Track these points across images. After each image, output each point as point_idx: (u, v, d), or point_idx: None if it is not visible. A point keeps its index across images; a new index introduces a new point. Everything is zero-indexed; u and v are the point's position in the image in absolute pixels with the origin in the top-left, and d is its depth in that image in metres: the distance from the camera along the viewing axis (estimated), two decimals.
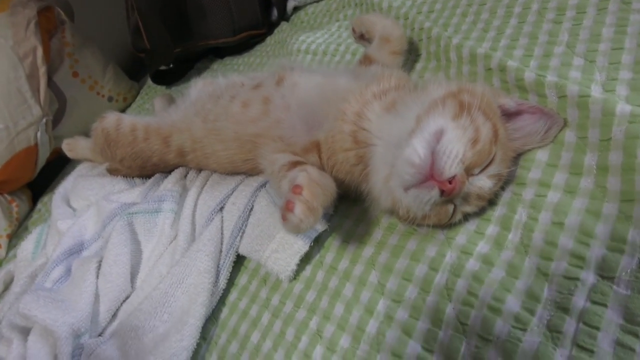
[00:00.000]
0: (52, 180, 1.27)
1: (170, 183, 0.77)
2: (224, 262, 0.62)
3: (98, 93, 1.26)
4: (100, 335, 0.65)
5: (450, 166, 0.42)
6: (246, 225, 0.64)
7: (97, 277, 0.67)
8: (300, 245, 0.55)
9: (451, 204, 0.45)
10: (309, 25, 1.07)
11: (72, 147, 1.03)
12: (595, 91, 0.47)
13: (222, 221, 0.66)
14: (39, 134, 1.12)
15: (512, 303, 0.40)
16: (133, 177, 0.88)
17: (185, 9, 1.12)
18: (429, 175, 0.42)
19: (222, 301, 0.61)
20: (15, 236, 1.13)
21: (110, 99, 1.29)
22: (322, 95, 0.60)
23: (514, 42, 0.62)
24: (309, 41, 0.95)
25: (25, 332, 0.67)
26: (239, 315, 0.58)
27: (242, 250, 0.62)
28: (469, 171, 0.44)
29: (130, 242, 0.68)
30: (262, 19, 1.14)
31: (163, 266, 0.66)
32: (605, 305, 0.36)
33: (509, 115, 0.50)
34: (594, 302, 0.37)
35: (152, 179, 0.83)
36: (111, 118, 0.84)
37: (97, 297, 0.66)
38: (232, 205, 0.67)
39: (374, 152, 0.52)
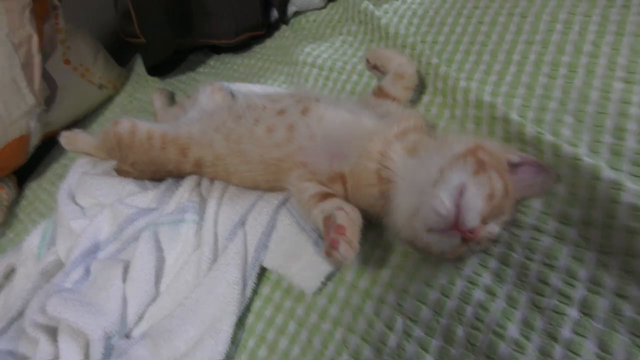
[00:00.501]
0: (35, 164, 1.27)
1: (186, 192, 0.82)
2: (250, 274, 0.69)
3: (89, 80, 1.25)
4: (126, 336, 0.71)
5: (473, 219, 0.51)
6: (269, 241, 0.71)
7: (124, 281, 0.73)
8: (327, 266, 0.64)
9: (466, 245, 0.54)
10: (310, 34, 1.11)
11: (70, 140, 1.04)
12: (584, 154, 0.57)
13: (245, 235, 0.72)
14: (32, 123, 1.11)
15: (513, 330, 0.50)
16: (143, 180, 0.91)
17: (188, 6, 1.13)
18: (454, 225, 0.51)
19: (247, 309, 0.68)
20: (5, 224, 1.14)
21: (100, 87, 1.29)
22: (347, 132, 0.67)
23: (513, 91, 0.71)
24: (314, 54, 1.00)
25: (50, 331, 0.72)
26: (265, 323, 0.66)
27: (267, 264, 0.69)
28: (484, 221, 0.53)
29: (155, 250, 0.74)
30: (262, 20, 1.17)
31: (188, 274, 0.72)
32: (585, 337, 0.47)
33: (512, 166, 0.59)
34: (577, 334, 0.48)
35: (165, 183, 0.87)
36: (125, 124, 0.87)
37: (124, 300, 0.72)
38: (254, 221, 0.73)
39: (396, 190, 0.60)
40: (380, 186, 0.62)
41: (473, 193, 0.52)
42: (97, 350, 0.66)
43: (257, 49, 1.18)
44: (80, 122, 1.31)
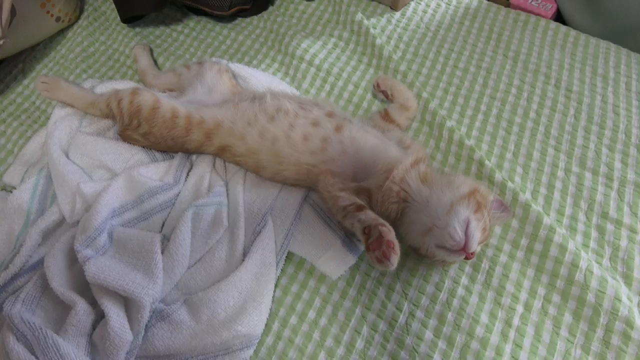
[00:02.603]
0: None
1: (207, 172, 0.91)
2: (280, 257, 0.84)
3: (48, 12, 1.14)
4: (162, 301, 0.81)
5: (474, 245, 0.75)
6: (296, 230, 0.86)
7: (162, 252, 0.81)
8: (351, 258, 0.83)
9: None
10: (300, 26, 1.20)
11: (51, 87, 0.99)
12: (528, 199, 0.85)
13: (273, 223, 0.86)
14: None
15: (484, 318, 0.78)
16: (152, 150, 0.95)
17: None
18: (462, 248, 0.75)
19: (275, 284, 0.84)
20: None
21: (57, 19, 1.18)
22: (375, 155, 0.84)
23: (481, 136, 0.97)
24: (311, 52, 1.11)
25: (83, 294, 0.78)
26: (292, 297, 0.83)
27: (295, 250, 0.85)
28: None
29: (192, 229, 0.83)
30: None
31: (222, 251, 0.83)
32: (526, 325, 0.77)
33: None
34: (522, 323, 0.77)
35: (178, 158, 0.93)
36: (147, 97, 0.89)
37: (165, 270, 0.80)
38: (280, 212, 0.87)
39: (410, 208, 0.81)
40: (399, 203, 0.82)
41: (475, 227, 0.76)
42: (146, 315, 0.75)
43: (244, 25, 1.22)
44: (31, 55, 1.19)
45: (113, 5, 1.22)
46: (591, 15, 1.15)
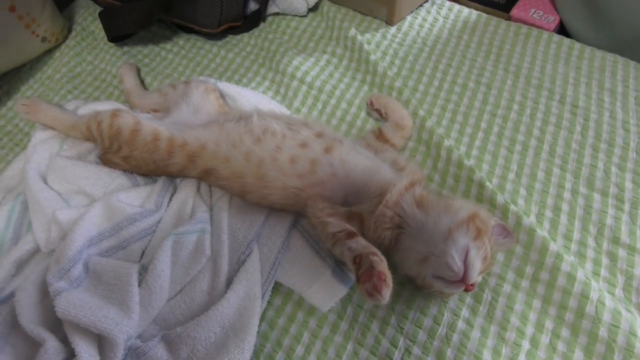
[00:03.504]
0: None
1: (190, 197, 0.86)
2: (266, 289, 0.78)
3: (33, 32, 1.11)
4: (138, 338, 0.75)
5: (474, 276, 0.68)
6: (283, 259, 0.81)
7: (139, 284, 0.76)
8: (342, 289, 0.77)
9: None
10: (292, 42, 1.16)
11: (31, 109, 0.95)
12: (533, 223, 0.79)
13: (259, 251, 0.81)
14: None
15: (487, 355, 0.71)
16: (133, 174, 0.90)
17: None
18: (460, 279, 0.68)
19: (261, 317, 0.78)
20: None
21: (43, 40, 1.15)
22: (367, 178, 0.79)
23: (482, 156, 0.91)
24: (303, 69, 1.07)
25: (54, 330, 0.72)
26: (279, 331, 0.77)
27: (282, 281, 0.79)
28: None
29: (172, 258, 0.78)
30: (242, 11, 1.17)
31: (204, 282, 0.78)
32: None
33: None
34: None
35: (160, 182, 0.89)
36: (127, 119, 0.85)
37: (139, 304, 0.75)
38: (267, 239, 0.82)
39: (405, 235, 0.75)
40: (392, 229, 0.76)
41: (475, 255, 0.70)
42: (120, 353, 0.70)
43: (235, 42, 1.19)
44: (16, 76, 1.17)
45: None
46: (595, 26, 1.09)
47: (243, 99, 1.01)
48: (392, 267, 0.66)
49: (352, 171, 0.80)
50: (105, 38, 1.17)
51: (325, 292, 0.77)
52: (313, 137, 0.83)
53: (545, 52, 1.06)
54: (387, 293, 0.64)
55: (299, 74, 1.06)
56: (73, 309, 0.70)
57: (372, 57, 1.05)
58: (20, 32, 1.08)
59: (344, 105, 1.03)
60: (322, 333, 0.76)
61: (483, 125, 0.96)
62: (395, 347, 0.73)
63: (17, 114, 1.09)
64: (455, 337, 0.73)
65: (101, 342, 0.72)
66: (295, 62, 1.08)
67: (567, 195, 0.85)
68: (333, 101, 1.03)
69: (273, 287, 0.80)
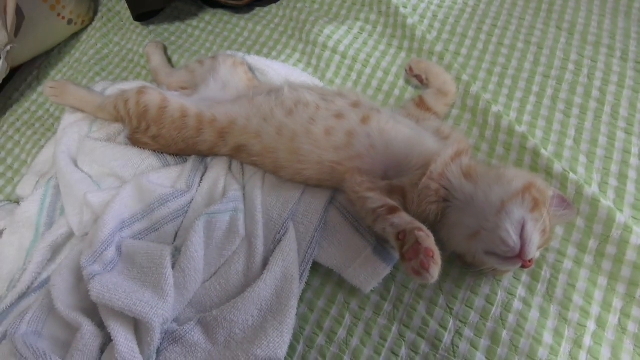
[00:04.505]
0: None
1: (222, 176, 0.82)
2: (303, 269, 0.74)
3: (59, 14, 1.09)
4: (175, 321, 0.73)
5: (533, 251, 0.62)
6: (321, 238, 0.76)
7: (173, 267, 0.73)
8: (384, 268, 0.71)
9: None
10: (323, 11, 1.09)
11: (58, 92, 0.94)
12: (596, 192, 0.71)
13: (295, 230, 0.77)
14: (1, 62, 0.97)
15: (547, 337, 0.65)
16: (163, 153, 0.87)
17: None
18: (517, 255, 0.62)
19: (300, 300, 0.74)
20: None
21: (70, 22, 1.13)
22: (409, 149, 0.73)
23: (534, 121, 0.83)
24: (335, 38, 1.01)
25: (90, 314, 0.71)
26: (319, 314, 0.73)
27: (321, 261, 0.75)
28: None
29: (205, 239, 0.75)
30: None
31: (239, 264, 0.75)
32: (601, 345, 0.64)
33: None
34: (596, 343, 0.64)
35: (191, 162, 0.85)
36: (154, 95, 0.82)
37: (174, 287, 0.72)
38: (303, 217, 0.77)
39: (452, 208, 0.69)
40: (438, 204, 0.70)
41: (532, 228, 0.63)
42: (156, 337, 0.67)
43: (262, 14, 1.13)
44: (45, 61, 1.16)
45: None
46: None
47: (273, 72, 0.96)
48: (439, 243, 0.60)
49: (392, 142, 0.74)
50: (131, 18, 1.14)
51: (366, 272, 0.72)
52: (348, 107, 0.78)
53: (602, 6, 0.96)
54: (435, 271, 0.58)
55: (330, 44, 1.00)
56: (107, 292, 0.68)
57: (409, 21, 0.97)
58: (45, 14, 1.06)
59: (380, 74, 0.96)
60: (365, 315, 0.72)
61: (535, 88, 0.87)
62: (445, 329, 0.68)
63: (48, 99, 1.08)
64: (511, 318, 0.67)
65: (137, 326, 0.70)
66: (326, 31, 1.02)
67: (634, 161, 0.76)
68: (368, 70, 0.97)
69: (311, 268, 0.76)
